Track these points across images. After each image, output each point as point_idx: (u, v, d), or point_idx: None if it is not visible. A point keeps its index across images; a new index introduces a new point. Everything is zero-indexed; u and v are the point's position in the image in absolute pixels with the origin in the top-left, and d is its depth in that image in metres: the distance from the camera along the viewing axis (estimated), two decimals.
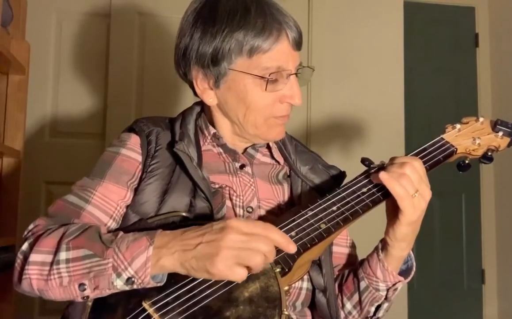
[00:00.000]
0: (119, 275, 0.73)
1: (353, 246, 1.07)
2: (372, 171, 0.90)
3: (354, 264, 1.02)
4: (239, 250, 0.70)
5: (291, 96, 0.91)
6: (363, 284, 0.95)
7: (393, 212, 0.86)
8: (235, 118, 0.94)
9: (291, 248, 0.75)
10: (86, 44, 2.35)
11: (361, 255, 1.03)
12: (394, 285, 0.92)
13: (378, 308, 0.96)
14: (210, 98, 0.95)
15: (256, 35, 0.87)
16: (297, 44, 0.92)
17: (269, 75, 0.88)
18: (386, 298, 0.94)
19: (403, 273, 0.95)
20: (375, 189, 0.87)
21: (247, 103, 0.91)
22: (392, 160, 0.88)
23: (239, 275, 0.70)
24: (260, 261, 0.70)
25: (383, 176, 0.84)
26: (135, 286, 0.75)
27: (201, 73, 0.93)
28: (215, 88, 0.93)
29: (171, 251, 0.73)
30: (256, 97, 0.90)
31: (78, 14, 2.35)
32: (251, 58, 0.88)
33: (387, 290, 0.93)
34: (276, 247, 0.73)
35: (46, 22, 2.32)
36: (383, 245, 0.92)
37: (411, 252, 0.94)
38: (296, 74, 0.92)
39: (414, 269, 0.95)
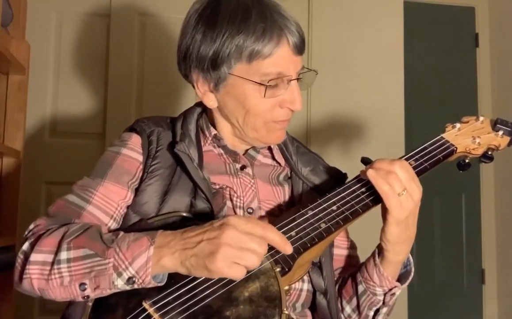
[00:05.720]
0: (119, 275, 0.74)
1: (353, 248, 1.06)
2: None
3: (355, 266, 1.02)
4: (238, 249, 0.70)
5: (291, 101, 0.90)
6: (360, 288, 0.94)
7: (385, 212, 0.85)
8: (235, 122, 0.94)
9: (287, 249, 0.75)
10: (86, 44, 2.35)
11: (362, 255, 1.03)
12: (390, 290, 0.91)
13: (377, 312, 0.95)
14: (210, 101, 0.95)
15: (256, 40, 0.85)
16: (299, 49, 0.89)
17: (267, 82, 0.87)
18: (384, 303, 0.93)
19: (402, 277, 0.94)
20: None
21: (246, 107, 0.90)
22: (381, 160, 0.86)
23: (238, 272, 0.71)
24: (257, 261, 0.71)
25: (370, 173, 0.83)
26: (135, 286, 0.75)
27: (201, 77, 0.92)
28: (215, 92, 0.93)
29: (171, 250, 0.73)
30: (255, 102, 0.89)
31: (78, 14, 2.36)
32: (250, 63, 0.86)
33: (384, 294, 0.92)
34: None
35: (46, 22, 2.32)
36: (380, 249, 0.91)
37: (411, 257, 0.93)
38: (297, 79, 0.90)
39: (412, 274, 0.94)
